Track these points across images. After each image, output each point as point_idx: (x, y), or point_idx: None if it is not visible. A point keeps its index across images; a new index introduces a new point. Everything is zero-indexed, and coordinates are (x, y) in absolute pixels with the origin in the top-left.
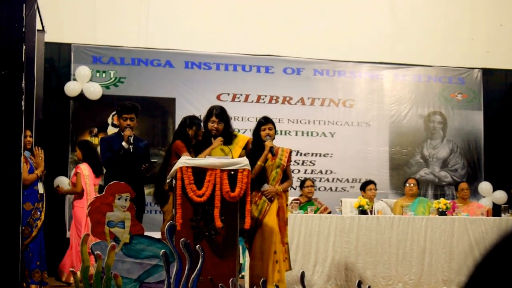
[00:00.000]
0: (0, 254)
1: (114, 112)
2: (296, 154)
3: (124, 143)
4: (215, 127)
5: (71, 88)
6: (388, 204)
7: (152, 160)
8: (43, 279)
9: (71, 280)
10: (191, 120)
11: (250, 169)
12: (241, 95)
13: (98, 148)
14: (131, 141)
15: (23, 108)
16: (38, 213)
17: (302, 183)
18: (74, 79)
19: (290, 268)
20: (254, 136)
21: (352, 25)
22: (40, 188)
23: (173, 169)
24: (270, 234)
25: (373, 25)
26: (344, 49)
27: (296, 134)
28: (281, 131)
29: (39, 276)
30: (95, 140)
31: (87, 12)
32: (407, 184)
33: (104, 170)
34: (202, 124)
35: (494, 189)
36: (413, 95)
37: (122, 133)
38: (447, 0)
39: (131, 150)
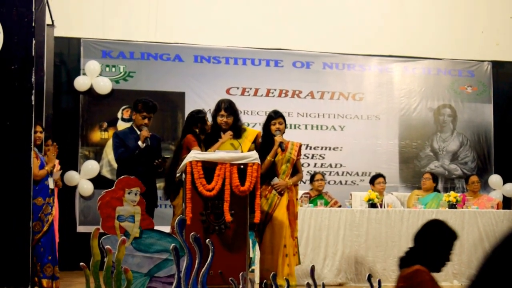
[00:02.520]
0: (11, 248)
1: (124, 107)
2: (306, 148)
3: (140, 143)
4: (224, 120)
5: (81, 83)
6: (398, 198)
7: (165, 156)
8: (55, 273)
9: None
10: (196, 116)
11: (259, 163)
12: (250, 89)
13: (110, 141)
14: (149, 142)
15: (33, 103)
16: (49, 208)
17: (312, 177)
18: (84, 74)
19: (299, 262)
20: (264, 130)
21: (361, 18)
22: (51, 183)
23: (182, 164)
24: (280, 228)
25: (382, 18)
26: (354, 43)
27: (306, 128)
28: (290, 125)
29: (51, 270)
30: (105, 135)
31: (96, 7)
32: (422, 178)
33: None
34: (207, 117)
35: (504, 182)
36: (422, 88)
37: (138, 131)
38: None
39: (143, 148)
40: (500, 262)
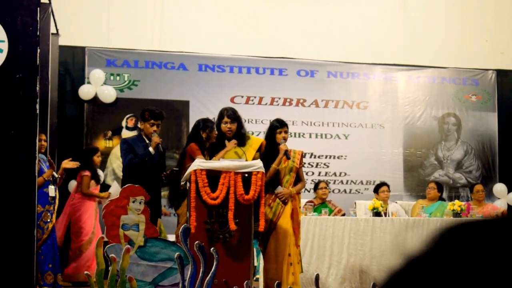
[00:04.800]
0: (15, 256)
1: (128, 115)
2: (310, 157)
3: (151, 149)
4: (228, 127)
5: (85, 92)
6: (403, 206)
7: (174, 168)
8: (57, 282)
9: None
10: (204, 123)
11: (264, 171)
12: (254, 97)
13: (116, 149)
14: (161, 148)
15: (37, 111)
16: (49, 215)
17: (316, 185)
18: (88, 82)
19: (302, 271)
20: (268, 139)
21: (365, 27)
22: (51, 191)
23: (187, 172)
24: (284, 236)
25: (386, 27)
26: (358, 51)
27: (310, 137)
28: (295, 134)
29: (52, 278)
30: (109, 143)
31: (101, 16)
32: (427, 188)
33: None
34: (215, 126)
35: (509, 191)
36: (427, 96)
37: (147, 140)
38: (461, 1)
39: (152, 154)
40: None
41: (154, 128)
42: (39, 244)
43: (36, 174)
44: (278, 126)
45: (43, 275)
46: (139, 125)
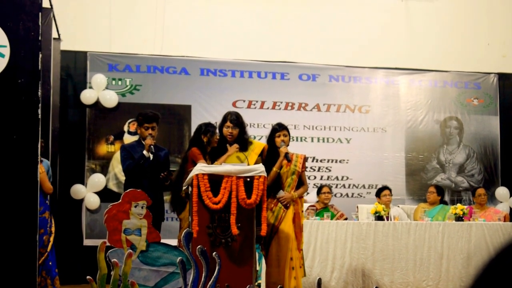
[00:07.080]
0: (16, 262)
1: (130, 120)
2: (312, 161)
3: (145, 152)
4: (229, 132)
5: (87, 96)
6: (405, 210)
7: (171, 169)
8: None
9: None
10: (206, 127)
11: (266, 176)
12: (256, 101)
13: (118, 154)
14: (153, 150)
15: (39, 116)
16: (50, 221)
17: (319, 189)
18: (90, 87)
19: (305, 275)
20: (269, 143)
21: (367, 31)
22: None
23: (189, 177)
24: (286, 240)
25: (388, 31)
26: (360, 55)
27: (312, 141)
28: (297, 138)
29: (59, 283)
30: (111, 148)
31: (102, 20)
32: (427, 192)
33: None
34: (217, 130)
35: (511, 194)
36: (429, 100)
37: (143, 142)
38: (463, 5)
39: (151, 159)
40: (498, 272)
41: (149, 131)
42: (48, 250)
43: (38, 179)
44: (277, 129)
45: (52, 280)
46: (131, 130)
